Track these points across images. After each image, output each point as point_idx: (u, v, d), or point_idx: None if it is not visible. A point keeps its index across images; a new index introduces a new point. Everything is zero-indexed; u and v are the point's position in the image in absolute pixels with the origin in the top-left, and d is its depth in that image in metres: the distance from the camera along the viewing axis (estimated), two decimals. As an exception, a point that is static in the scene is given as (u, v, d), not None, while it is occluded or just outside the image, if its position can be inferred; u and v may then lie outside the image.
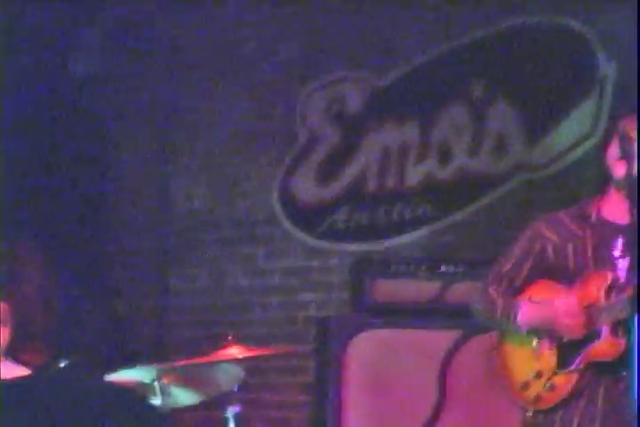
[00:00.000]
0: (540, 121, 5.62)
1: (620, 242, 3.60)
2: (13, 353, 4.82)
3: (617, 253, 3.61)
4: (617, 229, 3.60)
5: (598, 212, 3.65)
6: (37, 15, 6.47)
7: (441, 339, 5.09)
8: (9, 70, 6.33)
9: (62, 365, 4.53)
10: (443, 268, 5.25)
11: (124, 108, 7.05)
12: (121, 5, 6.88)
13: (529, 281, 3.72)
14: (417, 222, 6.02)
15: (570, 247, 3.66)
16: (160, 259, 6.86)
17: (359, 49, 6.30)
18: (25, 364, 4.82)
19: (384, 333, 5.18)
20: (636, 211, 3.42)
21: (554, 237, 3.70)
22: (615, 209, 3.60)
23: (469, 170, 5.89)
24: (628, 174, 3.36)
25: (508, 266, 3.77)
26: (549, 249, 3.69)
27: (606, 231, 3.61)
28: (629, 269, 3.53)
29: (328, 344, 5.23)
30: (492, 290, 3.75)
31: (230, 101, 6.67)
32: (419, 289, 5.23)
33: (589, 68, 5.49)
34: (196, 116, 6.81)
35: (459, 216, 5.85)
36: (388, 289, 5.28)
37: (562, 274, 3.66)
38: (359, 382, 5.14)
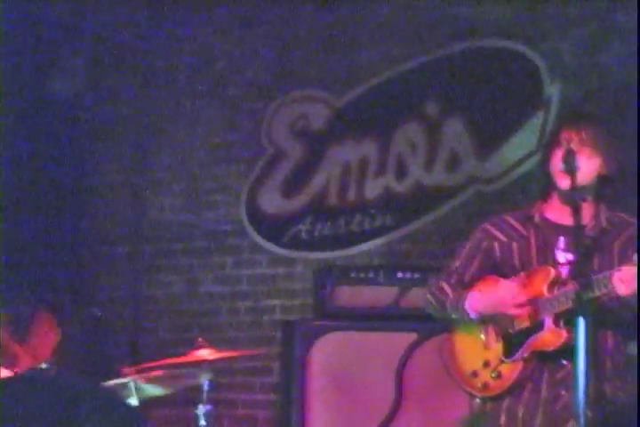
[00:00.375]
0: (489, 138, 5.67)
1: (562, 241, 3.61)
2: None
3: (559, 251, 3.62)
4: (559, 229, 3.62)
5: (541, 213, 3.67)
6: (20, 34, 6.42)
7: (398, 341, 5.10)
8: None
9: (43, 366, 4.56)
10: (400, 274, 5.24)
11: (102, 124, 6.98)
12: (100, 28, 6.83)
13: (477, 277, 3.73)
14: (375, 232, 6.03)
15: (515, 245, 3.67)
16: (135, 267, 6.79)
17: (322, 70, 6.31)
18: (9, 366, 4.74)
19: (345, 335, 5.18)
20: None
21: (500, 236, 3.71)
22: (557, 211, 3.62)
23: (424, 184, 5.91)
24: (573, 186, 3.39)
25: (458, 262, 3.78)
26: (496, 247, 3.70)
27: (549, 231, 3.63)
28: (571, 266, 3.55)
29: (292, 346, 5.21)
30: (443, 283, 3.76)
31: (201, 118, 6.66)
32: (377, 294, 5.24)
33: (535, 90, 5.56)
34: (168, 131, 6.78)
35: (414, 226, 5.87)
36: (348, 295, 5.28)
37: (508, 270, 3.67)
38: (322, 382, 5.13)
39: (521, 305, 3.54)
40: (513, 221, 3.72)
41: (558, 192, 3.59)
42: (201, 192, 6.63)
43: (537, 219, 3.67)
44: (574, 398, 3.16)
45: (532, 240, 3.66)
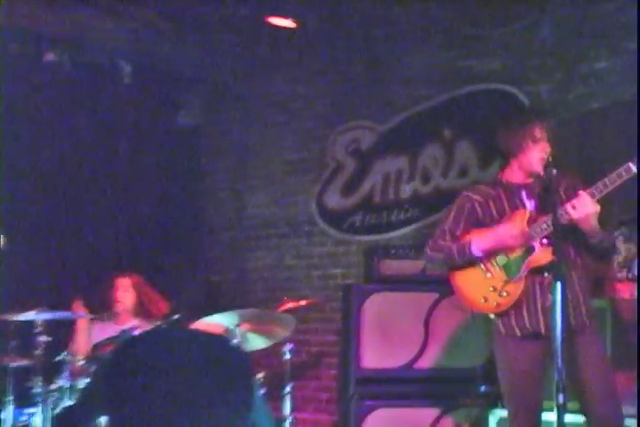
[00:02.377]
0: (489, 154, 5.66)
1: (523, 193, 3.66)
2: (144, 312, 5.18)
3: (524, 199, 3.65)
4: (520, 186, 3.69)
5: (504, 178, 3.73)
6: (153, 84, 6.47)
7: (425, 299, 5.24)
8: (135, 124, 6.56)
9: (176, 317, 4.66)
10: (426, 251, 5.27)
11: (214, 146, 7.16)
12: (213, 78, 6.78)
13: (464, 233, 3.73)
14: (408, 222, 6.12)
15: (490, 202, 3.71)
16: (238, 247, 6.95)
17: (369, 106, 6.40)
18: (152, 317, 5.09)
19: (387, 295, 5.28)
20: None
21: (478, 198, 3.74)
22: (515, 175, 3.69)
23: (442, 187, 5.99)
24: (549, 185, 3.41)
25: (449, 223, 3.77)
26: (477, 206, 3.73)
27: (512, 189, 3.70)
28: (536, 207, 3.62)
29: (350, 303, 5.30)
30: (439, 241, 3.76)
31: (284, 141, 6.83)
32: (410, 266, 5.33)
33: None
34: (260, 151, 6.95)
35: (435, 217, 5.84)
36: (389, 266, 5.37)
37: (489, 221, 3.70)
38: (371, 328, 5.23)
39: (517, 236, 3.58)
40: (485, 187, 3.80)
41: (534, 176, 3.62)
42: (284, 194, 6.79)
43: (503, 182, 3.74)
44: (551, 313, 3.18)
45: (503, 196, 3.72)
